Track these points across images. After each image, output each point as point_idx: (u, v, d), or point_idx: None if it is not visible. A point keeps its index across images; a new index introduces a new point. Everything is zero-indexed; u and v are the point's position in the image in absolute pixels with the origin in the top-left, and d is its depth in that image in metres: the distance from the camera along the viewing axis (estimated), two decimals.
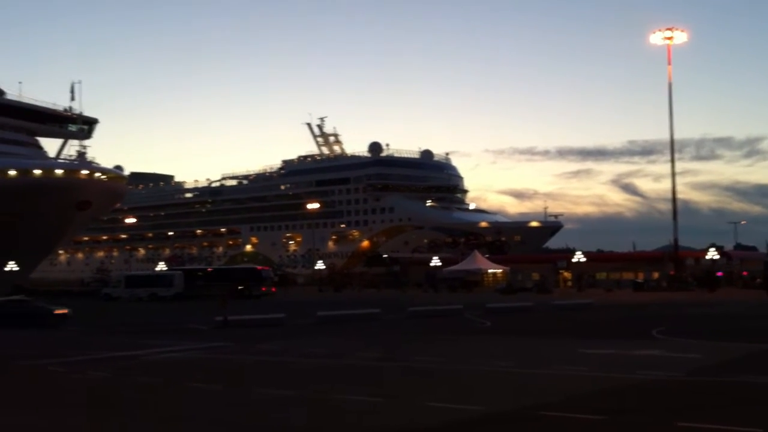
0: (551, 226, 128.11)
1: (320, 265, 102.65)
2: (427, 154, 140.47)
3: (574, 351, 22.34)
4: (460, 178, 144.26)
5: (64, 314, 35.34)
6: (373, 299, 57.89)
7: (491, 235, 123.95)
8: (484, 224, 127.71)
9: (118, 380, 17.73)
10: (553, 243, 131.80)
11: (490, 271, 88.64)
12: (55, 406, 14.52)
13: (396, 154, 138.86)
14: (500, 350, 23.12)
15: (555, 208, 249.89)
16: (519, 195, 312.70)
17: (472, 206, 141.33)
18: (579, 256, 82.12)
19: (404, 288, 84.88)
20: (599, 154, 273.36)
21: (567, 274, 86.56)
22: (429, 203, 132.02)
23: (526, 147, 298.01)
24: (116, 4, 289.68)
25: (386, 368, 19.63)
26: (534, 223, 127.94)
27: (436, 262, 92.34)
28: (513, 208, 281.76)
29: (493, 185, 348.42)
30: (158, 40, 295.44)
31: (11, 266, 75.16)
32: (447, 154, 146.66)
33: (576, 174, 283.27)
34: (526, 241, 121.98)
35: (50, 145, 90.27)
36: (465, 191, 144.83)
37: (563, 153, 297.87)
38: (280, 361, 21.49)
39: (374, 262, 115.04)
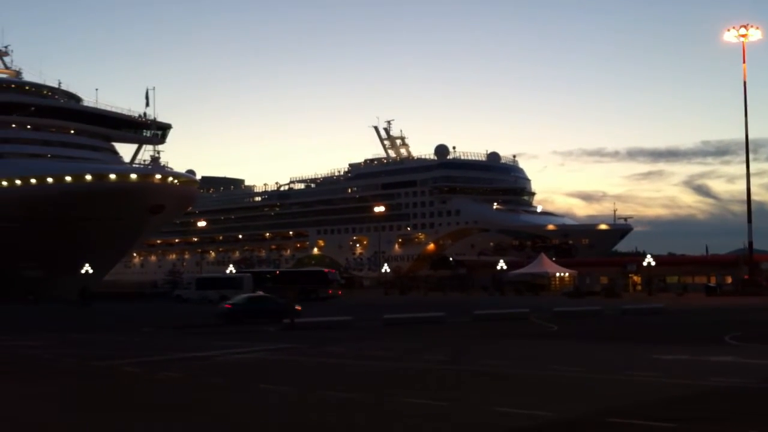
0: (620, 228, 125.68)
1: (386, 267, 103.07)
2: (493, 156, 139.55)
3: (643, 356, 21.93)
4: (528, 181, 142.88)
5: (299, 310, 38.20)
6: (438, 302, 57.86)
7: (558, 238, 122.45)
8: (551, 227, 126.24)
9: (192, 381, 18.16)
10: (623, 246, 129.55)
11: (557, 274, 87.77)
12: (128, 410, 14.99)
13: (462, 157, 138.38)
14: (567, 355, 22.85)
15: (624, 210, 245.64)
16: (587, 197, 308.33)
17: (539, 209, 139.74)
18: (649, 260, 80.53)
19: (470, 291, 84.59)
20: (671, 155, 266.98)
21: (637, 278, 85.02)
22: (495, 206, 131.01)
23: (595, 148, 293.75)
24: (188, 11, 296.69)
25: (450, 372, 19.60)
26: (603, 226, 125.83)
27: (502, 265, 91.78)
28: (581, 210, 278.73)
29: (560, 187, 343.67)
30: (229, 46, 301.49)
31: (86, 268, 77.41)
32: (514, 156, 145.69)
33: (647, 175, 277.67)
34: (595, 244, 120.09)
35: (125, 150, 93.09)
36: (532, 194, 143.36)
37: (633, 154, 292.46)
38: (345, 363, 21.67)
39: (440, 264, 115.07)
